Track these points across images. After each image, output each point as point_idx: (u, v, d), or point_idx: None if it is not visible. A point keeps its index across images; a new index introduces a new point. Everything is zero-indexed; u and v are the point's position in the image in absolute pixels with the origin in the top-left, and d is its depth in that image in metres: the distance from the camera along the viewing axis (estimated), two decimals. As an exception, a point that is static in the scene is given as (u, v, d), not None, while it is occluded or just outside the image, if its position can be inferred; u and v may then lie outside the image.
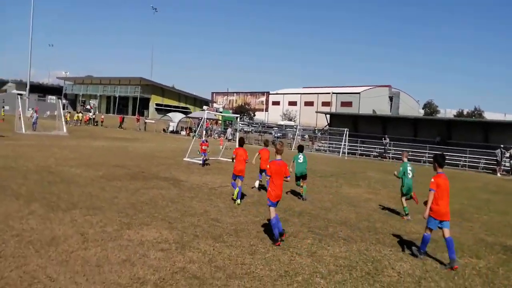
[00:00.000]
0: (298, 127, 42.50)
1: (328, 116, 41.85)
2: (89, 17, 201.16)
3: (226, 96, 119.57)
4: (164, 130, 49.53)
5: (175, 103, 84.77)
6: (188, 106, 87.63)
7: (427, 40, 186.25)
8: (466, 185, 19.30)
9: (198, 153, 18.56)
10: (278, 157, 7.49)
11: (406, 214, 10.19)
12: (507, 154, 28.86)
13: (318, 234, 7.86)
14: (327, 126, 41.07)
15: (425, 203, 6.77)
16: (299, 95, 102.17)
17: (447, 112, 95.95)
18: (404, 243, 7.70)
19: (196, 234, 7.12)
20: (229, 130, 35.02)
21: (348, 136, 34.88)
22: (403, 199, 10.54)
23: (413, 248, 7.22)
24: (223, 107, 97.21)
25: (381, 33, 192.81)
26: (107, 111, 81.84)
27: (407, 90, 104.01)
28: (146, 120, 53.35)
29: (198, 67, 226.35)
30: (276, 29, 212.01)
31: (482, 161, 30.66)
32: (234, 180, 10.57)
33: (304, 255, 6.51)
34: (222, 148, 23.32)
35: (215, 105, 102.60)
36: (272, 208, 7.21)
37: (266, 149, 12.45)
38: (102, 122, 51.23)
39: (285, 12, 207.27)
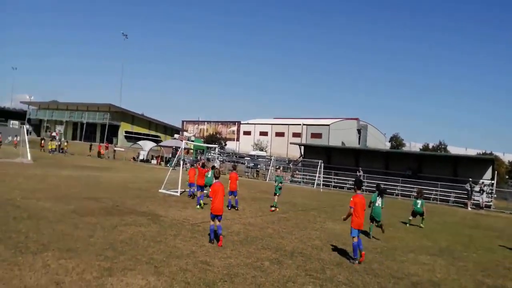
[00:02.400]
0: (273, 158, 42.28)
1: (302, 147, 41.96)
2: (55, 40, 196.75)
3: (197, 125, 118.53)
4: (134, 158, 48.01)
5: (145, 131, 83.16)
6: (158, 134, 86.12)
7: (393, 73, 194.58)
8: (444, 219, 19.39)
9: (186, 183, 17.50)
10: (216, 180, 9.67)
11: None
12: (477, 188, 29.60)
13: (317, 278, 7.32)
14: (301, 157, 41.08)
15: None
16: (270, 125, 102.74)
17: (412, 145, 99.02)
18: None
19: (187, 281, 6.41)
20: (217, 162, 34.62)
21: (322, 168, 34.87)
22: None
23: (350, 258, 8.80)
24: (194, 136, 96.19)
25: (348, 65, 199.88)
26: (73, 138, 78.99)
27: (374, 123, 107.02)
28: (115, 148, 51.63)
29: (169, 94, 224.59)
30: (246, 58, 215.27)
31: (452, 194, 31.27)
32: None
33: (309, 305, 5.94)
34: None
35: (185, 133, 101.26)
36: (212, 219, 9.16)
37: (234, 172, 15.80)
38: (66, 149, 49.10)
39: (255, 42, 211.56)
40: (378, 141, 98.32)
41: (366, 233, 12.04)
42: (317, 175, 34.46)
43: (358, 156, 38.75)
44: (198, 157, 44.60)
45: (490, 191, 30.36)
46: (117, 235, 9.05)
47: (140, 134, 78.11)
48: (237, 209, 14.86)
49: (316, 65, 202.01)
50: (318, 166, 34.59)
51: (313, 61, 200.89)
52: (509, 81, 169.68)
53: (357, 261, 8.60)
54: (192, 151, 50.33)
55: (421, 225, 15.59)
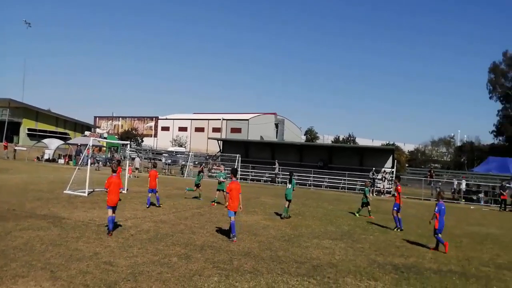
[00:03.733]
0: (191, 153, 41.82)
1: (220, 142, 42.15)
2: None
3: (110, 121, 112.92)
4: (38, 158, 44.20)
5: (52, 128, 76.81)
6: (67, 131, 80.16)
7: (308, 69, 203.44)
8: (349, 206, 20.89)
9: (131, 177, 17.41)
10: (114, 174, 10.26)
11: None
12: (379, 176, 32.37)
13: (224, 269, 7.49)
14: (219, 152, 41.27)
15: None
16: (190, 120, 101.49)
17: (325, 138, 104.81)
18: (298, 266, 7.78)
19: (86, 284, 6.16)
20: (137, 159, 33.54)
21: (240, 162, 35.45)
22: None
23: (231, 235, 10.02)
24: (108, 133, 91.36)
25: (266, 61, 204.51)
26: (-35, 137, 70.27)
27: (291, 117, 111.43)
28: (16, 147, 46.98)
29: (79, 89, 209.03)
30: (163, 50, 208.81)
31: (358, 183, 33.81)
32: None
33: (213, 296, 6.08)
34: (131, 177, 24.13)
35: (98, 130, 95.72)
36: (109, 210, 9.86)
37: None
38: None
39: (171, 32, 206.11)
40: (295, 135, 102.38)
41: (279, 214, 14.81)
42: (235, 169, 34.90)
43: (274, 150, 40.02)
44: (112, 155, 42.58)
45: (390, 178, 33.39)
46: (11, 241, 8.35)
47: (45, 131, 71.94)
48: (159, 206, 14.91)
49: (235, 60, 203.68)
50: (236, 160, 35.07)
51: (231, 56, 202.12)
52: (411, 78, 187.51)
53: (235, 238, 9.96)
54: (104, 148, 47.84)
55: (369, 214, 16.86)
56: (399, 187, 14.47)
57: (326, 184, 34.34)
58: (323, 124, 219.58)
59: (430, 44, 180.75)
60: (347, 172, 33.39)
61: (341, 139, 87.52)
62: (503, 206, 25.83)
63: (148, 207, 14.63)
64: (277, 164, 35.65)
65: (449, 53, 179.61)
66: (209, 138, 50.66)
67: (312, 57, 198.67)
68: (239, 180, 33.96)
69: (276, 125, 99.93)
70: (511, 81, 66.53)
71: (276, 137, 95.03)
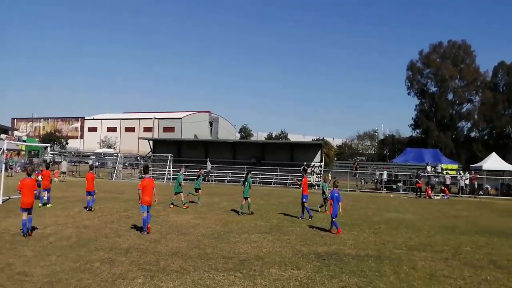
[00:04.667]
0: (120, 155, 40.26)
1: (151, 142, 41.09)
2: None
3: (30, 123, 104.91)
4: None
5: (-39, 132, 69.52)
6: (-21, 135, 73.02)
7: (241, 70, 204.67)
8: (280, 200, 21.60)
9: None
10: (27, 176, 10.24)
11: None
12: (309, 170, 33.67)
13: (150, 270, 7.39)
14: (151, 153, 40.23)
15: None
16: (119, 120, 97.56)
17: (259, 135, 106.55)
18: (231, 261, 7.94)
19: (-5, 297, 5.75)
20: (64, 163, 31.82)
21: (172, 162, 34.86)
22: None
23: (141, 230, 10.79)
24: (27, 135, 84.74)
25: (198, 61, 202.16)
26: None
27: (225, 115, 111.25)
28: None
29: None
30: (90, 45, 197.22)
31: (289, 177, 34.93)
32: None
33: (136, 298, 5.98)
34: (57, 181, 24.72)
35: (16, 133, 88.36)
36: (23, 213, 9.80)
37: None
38: None
39: (100, 32, 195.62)
40: (229, 133, 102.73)
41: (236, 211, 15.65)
42: (167, 169, 34.27)
43: (208, 148, 39.91)
44: (30, 160, 39.72)
45: (319, 171, 34.91)
46: None
47: (-47, 135, 64.94)
48: (91, 210, 14.55)
49: (168, 56, 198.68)
50: (168, 160, 34.44)
51: (164, 52, 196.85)
52: (339, 75, 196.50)
53: (145, 232, 10.58)
54: (23, 152, 44.43)
55: (325, 209, 16.61)
56: (304, 179, 15.33)
57: (259, 180, 34.97)
58: (257, 121, 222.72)
59: (356, 44, 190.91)
60: (278, 168, 34.38)
61: (274, 135, 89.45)
62: (418, 193, 28.21)
63: (92, 210, 14.50)
64: (208, 163, 35.65)
65: (374, 52, 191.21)
66: (139, 138, 49.10)
67: (244, 53, 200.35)
68: (171, 180, 33.64)
69: (210, 123, 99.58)
70: (426, 78, 72.67)
71: (211, 136, 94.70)
